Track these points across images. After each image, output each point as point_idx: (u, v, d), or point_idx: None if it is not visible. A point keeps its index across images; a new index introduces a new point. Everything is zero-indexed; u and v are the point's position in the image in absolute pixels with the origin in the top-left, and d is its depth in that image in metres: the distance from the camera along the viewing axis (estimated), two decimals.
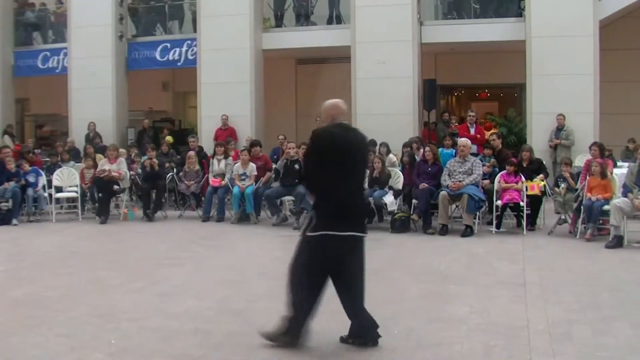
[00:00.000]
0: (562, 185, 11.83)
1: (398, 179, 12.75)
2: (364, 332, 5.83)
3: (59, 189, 14.48)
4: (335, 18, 19.07)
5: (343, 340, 5.86)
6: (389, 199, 12.15)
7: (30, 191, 13.56)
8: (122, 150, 15.91)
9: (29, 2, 23.23)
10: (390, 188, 12.44)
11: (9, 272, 9.05)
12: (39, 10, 22.72)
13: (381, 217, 12.78)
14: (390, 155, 14.01)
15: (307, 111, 20.68)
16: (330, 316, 5.97)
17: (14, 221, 13.22)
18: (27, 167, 14.00)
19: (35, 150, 19.07)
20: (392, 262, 9.51)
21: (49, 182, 14.30)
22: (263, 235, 12.02)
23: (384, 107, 17.35)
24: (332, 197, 5.70)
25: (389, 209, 12.19)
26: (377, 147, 14.25)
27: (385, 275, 8.51)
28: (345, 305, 5.83)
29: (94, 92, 20.13)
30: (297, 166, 12.95)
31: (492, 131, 16.11)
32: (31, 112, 25.85)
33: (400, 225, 11.99)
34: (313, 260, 5.73)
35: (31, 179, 13.75)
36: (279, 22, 19.80)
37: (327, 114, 6.00)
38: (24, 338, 6.07)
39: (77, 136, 19.77)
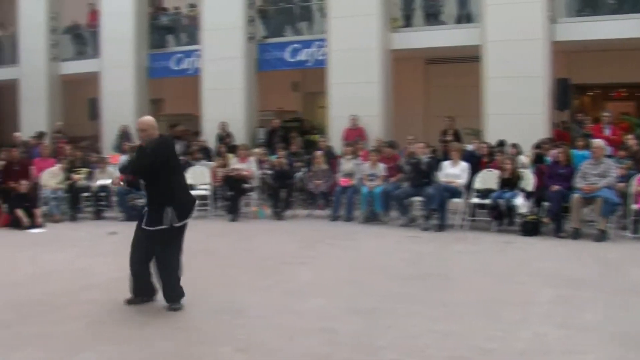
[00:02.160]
0: None
1: (529, 181, 12.47)
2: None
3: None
4: (465, 17, 18.82)
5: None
6: (519, 200, 11.92)
7: None
8: (257, 150, 16.26)
9: (163, 6, 24.11)
10: (521, 190, 12.20)
11: None
12: (173, 14, 23.53)
13: (511, 219, 12.53)
14: (521, 157, 13.73)
15: (436, 111, 20.52)
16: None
17: None
18: None
19: None
20: (522, 265, 9.32)
21: None
22: (391, 235, 12.02)
23: (515, 107, 16.95)
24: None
25: (520, 211, 11.97)
26: (507, 148, 13.99)
27: (514, 279, 8.39)
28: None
29: (225, 92, 20.67)
30: (423, 167, 12.89)
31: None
32: (165, 112, 26.75)
33: (531, 228, 11.74)
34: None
35: None
36: (408, 22, 19.72)
37: (152, 128, 7.13)
38: (153, 330, 6.35)
39: (209, 136, 20.30)
